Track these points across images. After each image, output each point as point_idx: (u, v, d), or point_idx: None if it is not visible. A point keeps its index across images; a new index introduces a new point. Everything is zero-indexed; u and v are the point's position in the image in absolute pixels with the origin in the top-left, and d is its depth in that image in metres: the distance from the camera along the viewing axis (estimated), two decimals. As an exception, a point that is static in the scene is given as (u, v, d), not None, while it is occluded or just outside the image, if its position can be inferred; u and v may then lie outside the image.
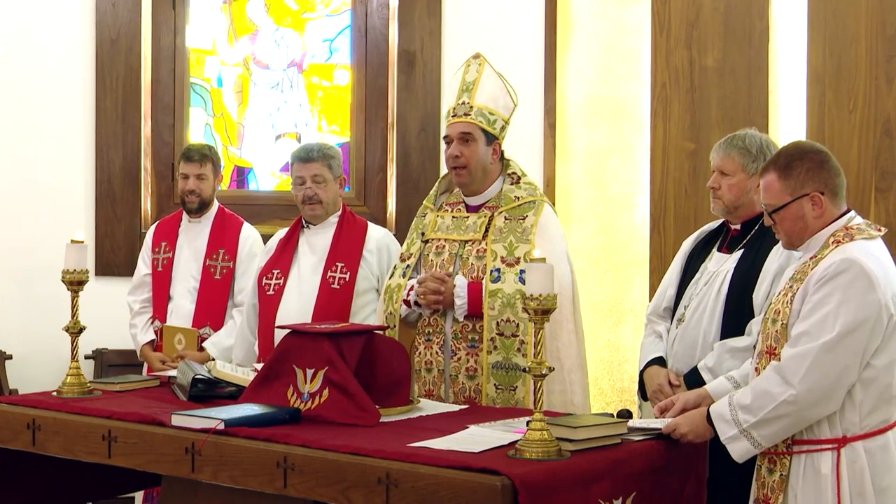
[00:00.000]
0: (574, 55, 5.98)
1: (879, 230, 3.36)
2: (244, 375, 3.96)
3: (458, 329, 4.13)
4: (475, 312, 4.10)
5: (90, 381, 4.09)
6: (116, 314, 5.56)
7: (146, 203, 6.26)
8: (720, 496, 3.66)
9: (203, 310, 5.20)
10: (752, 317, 3.78)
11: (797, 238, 3.38)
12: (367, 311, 4.69)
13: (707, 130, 5.41)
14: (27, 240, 6.17)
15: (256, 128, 6.51)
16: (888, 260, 3.30)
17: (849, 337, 3.15)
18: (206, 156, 5.30)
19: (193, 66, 6.41)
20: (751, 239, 3.94)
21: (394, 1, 6.19)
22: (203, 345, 5.12)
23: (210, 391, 3.88)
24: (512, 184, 4.29)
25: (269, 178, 6.51)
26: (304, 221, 4.86)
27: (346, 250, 4.74)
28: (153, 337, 5.26)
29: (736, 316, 3.83)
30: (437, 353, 4.18)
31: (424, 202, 4.45)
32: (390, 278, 4.35)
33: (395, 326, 4.21)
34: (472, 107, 4.24)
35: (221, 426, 3.37)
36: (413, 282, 4.22)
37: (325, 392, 3.55)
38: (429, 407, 3.84)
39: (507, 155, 4.36)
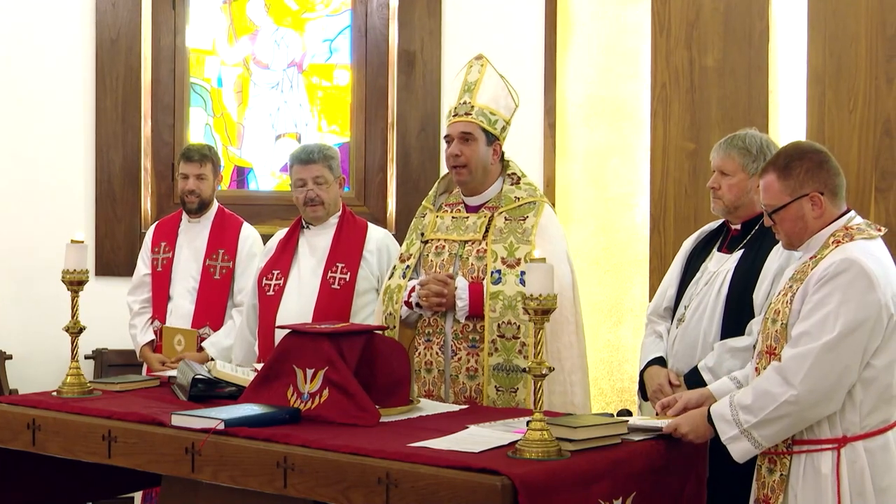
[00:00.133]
0: (574, 55, 5.98)
1: (879, 230, 3.36)
2: (244, 375, 3.95)
3: (459, 329, 4.12)
4: (476, 313, 4.10)
5: (90, 381, 4.09)
6: (116, 314, 5.55)
7: (146, 203, 6.26)
8: (720, 496, 3.65)
9: (202, 310, 5.20)
10: (753, 317, 3.78)
11: (797, 238, 3.38)
12: (367, 312, 4.69)
13: (707, 130, 5.40)
14: (27, 240, 6.17)
15: (256, 128, 6.51)
16: (888, 260, 3.30)
17: (849, 337, 3.15)
18: (205, 156, 5.30)
19: (193, 66, 6.41)
20: (751, 239, 3.94)
21: (394, 1, 6.19)
22: (202, 345, 5.12)
23: (210, 391, 3.88)
24: (512, 184, 4.29)
25: (269, 179, 6.51)
26: (303, 222, 4.86)
27: (347, 251, 4.74)
28: (153, 337, 5.26)
29: (736, 316, 3.83)
30: (437, 353, 4.17)
31: (423, 203, 4.45)
32: (389, 279, 4.34)
33: (394, 327, 4.21)
34: (473, 106, 4.24)
35: (221, 426, 3.37)
36: (414, 283, 4.21)
37: (325, 392, 3.55)
38: (429, 407, 3.84)
39: (507, 156, 4.36)
